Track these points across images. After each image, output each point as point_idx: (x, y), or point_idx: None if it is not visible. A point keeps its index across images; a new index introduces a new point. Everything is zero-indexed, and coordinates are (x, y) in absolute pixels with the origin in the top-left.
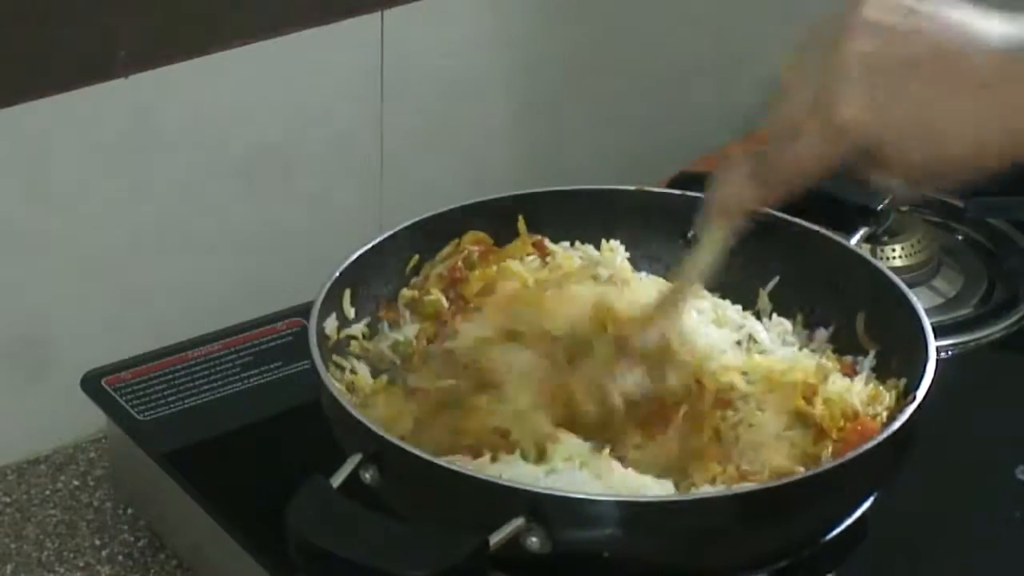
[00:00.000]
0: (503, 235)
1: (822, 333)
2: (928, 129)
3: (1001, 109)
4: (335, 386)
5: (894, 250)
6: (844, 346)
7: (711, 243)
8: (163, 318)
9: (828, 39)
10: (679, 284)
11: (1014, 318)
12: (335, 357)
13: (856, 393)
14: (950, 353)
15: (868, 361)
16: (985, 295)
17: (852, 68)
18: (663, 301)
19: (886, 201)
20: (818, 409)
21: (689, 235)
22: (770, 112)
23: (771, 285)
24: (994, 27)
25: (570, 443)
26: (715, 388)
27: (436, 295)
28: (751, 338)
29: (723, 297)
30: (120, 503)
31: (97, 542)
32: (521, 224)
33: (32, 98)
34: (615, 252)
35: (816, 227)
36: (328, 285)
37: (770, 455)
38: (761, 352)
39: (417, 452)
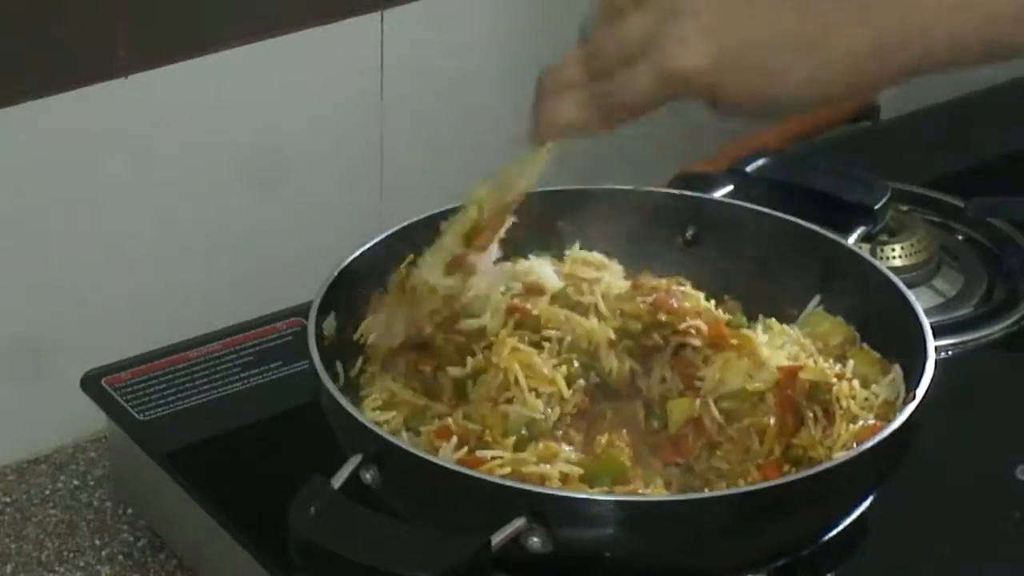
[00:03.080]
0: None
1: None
2: (759, 72)
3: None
4: (335, 386)
5: (894, 250)
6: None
7: (534, 161)
8: (163, 318)
9: None
10: (499, 202)
11: (1014, 318)
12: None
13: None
14: (950, 353)
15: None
16: (985, 295)
17: (691, 8)
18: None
19: (884, 200)
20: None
21: (688, 235)
22: (600, 29)
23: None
24: None
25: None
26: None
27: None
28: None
29: (722, 297)
30: (120, 503)
31: (97, 542)
32: None
33: (32, 98)
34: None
35: (814, 226)
36: (328, 285)
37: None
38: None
39: (418, 452)
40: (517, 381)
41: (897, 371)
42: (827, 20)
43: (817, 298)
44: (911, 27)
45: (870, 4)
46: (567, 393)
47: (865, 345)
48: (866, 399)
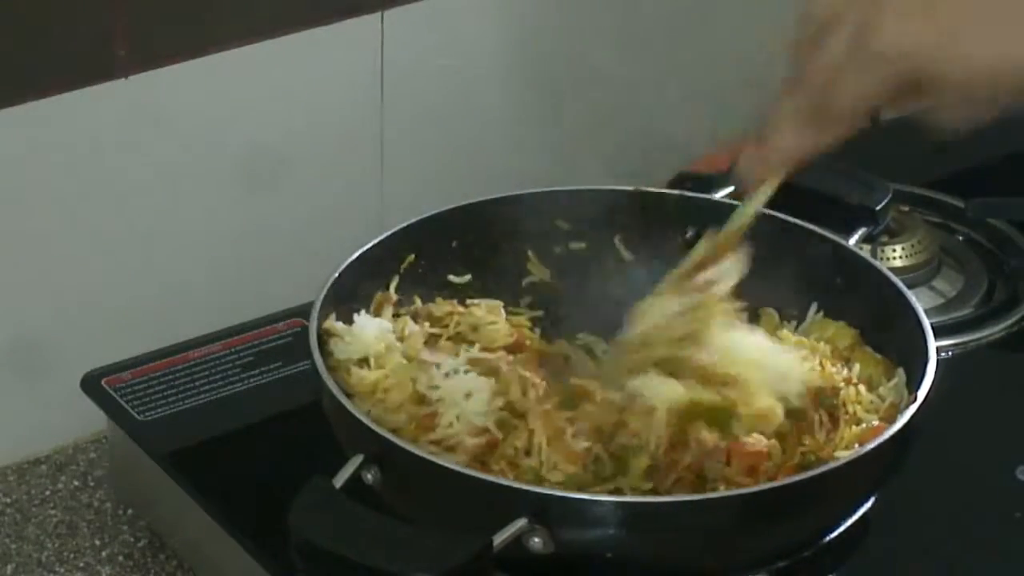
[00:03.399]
0: (503, 234)
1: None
2: (966, 44)
3: None
4: (335, 386)
5: (894, 250)
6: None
7: (759, 198)
8: (163, 318)
9: None
10: (718, 244)
11: (1014, 318)
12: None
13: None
14: (950, 353)
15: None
16: (985, 295)
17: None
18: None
19: (885, 201)
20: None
21: (688, 235)
22: (802, 58)
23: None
24: None
25: None
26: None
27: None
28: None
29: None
30: (120, 503)
31: (97, 542)
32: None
33: (32, 98)
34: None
35: (815, 227)
36: (328, 285)
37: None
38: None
39: (419, 452)
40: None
41: (901, 374)
42: None
43: (815, 305)
44: None
45: None
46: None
47: (869, 348)
48: (872, 402)
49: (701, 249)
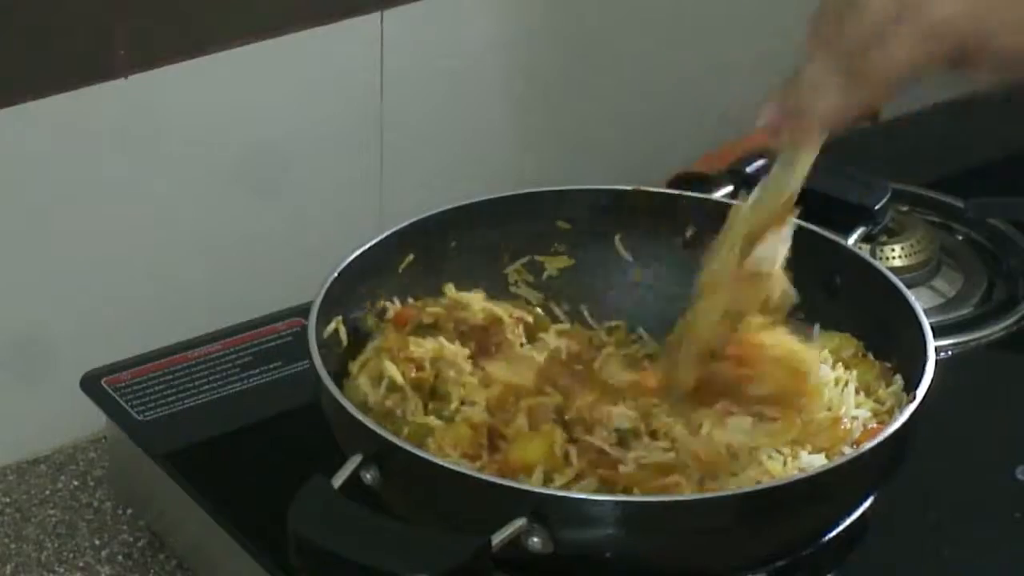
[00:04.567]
0: (502, 234)
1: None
2: (1015, 13)
3: None
4: (334, 386)
5: (894, 250)
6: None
7: (802, 164)
8: (163, 318)
9: None
10: (765, 214)
11: (1014, 318)
12: None
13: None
14: (950, 353)
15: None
16: (985, 295)
17: None
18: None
19: (883, 200)
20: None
21: (688, 235)
22: (844, 20)
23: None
24: None
25: None
26: None
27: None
28: None
29: None
30: (120, 503)
31: (97, 542)
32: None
33: (32, 98)
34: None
35: (814, 227)
36: (327, 285)
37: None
38: None
39: (418, 453)
40: None
41: (899, 380)
42: None
43: (817, 326)
44: None
45: None
46: None
47: (870, 355)
48: (871, 408)
49: (744, 223)
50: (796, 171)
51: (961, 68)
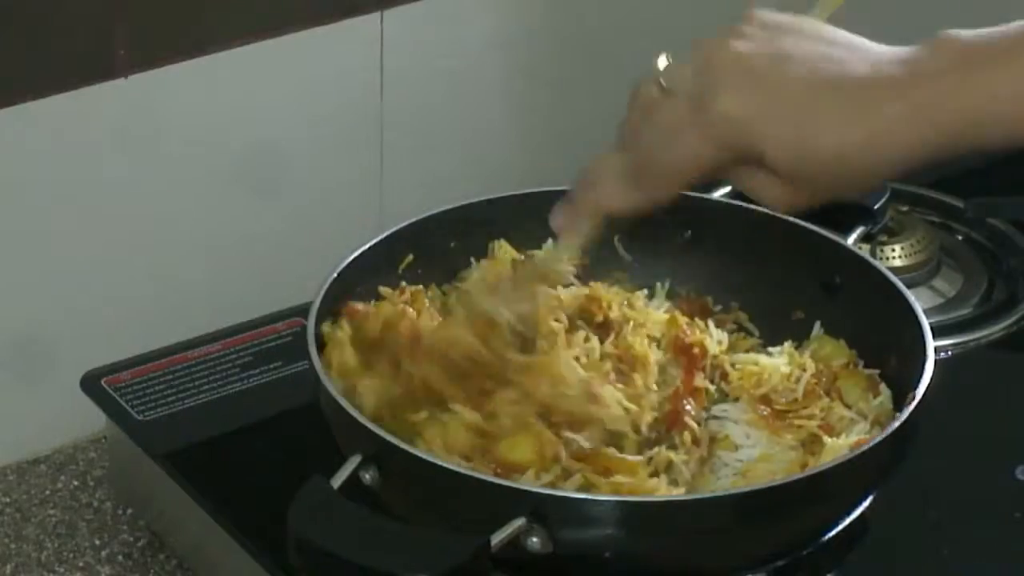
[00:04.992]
0: (502, 234)
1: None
2: (800, 126)
3: (867, 112)
4: (334, 387)
5: (894, 250)
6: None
7: (571, 241)
8: (163, 318)
9: (706, 45)
10: (537, 278)
11: (1014, 318)
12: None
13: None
14: (950, 353)
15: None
16: (985, 295)
17: (728, 65)
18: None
19: (883, 200)
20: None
21: (687, 235)
22: (638, 117)
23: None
24: (871, 44)
25: None
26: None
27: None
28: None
29: (729, 306)
30: (120, 503)
31: (97, 542)
32: None
33: (32, 98)
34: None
35: (813, 227)
36: (327, 285)
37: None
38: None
39: (418, 453)
40: None
41: (885, 391)
42: (875, 113)
43: (818, 324)
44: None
45: (920, 100)
46: None
47: (860, 365)
48: (852, 419)
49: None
50: (564, 247)
51: (740, 171)
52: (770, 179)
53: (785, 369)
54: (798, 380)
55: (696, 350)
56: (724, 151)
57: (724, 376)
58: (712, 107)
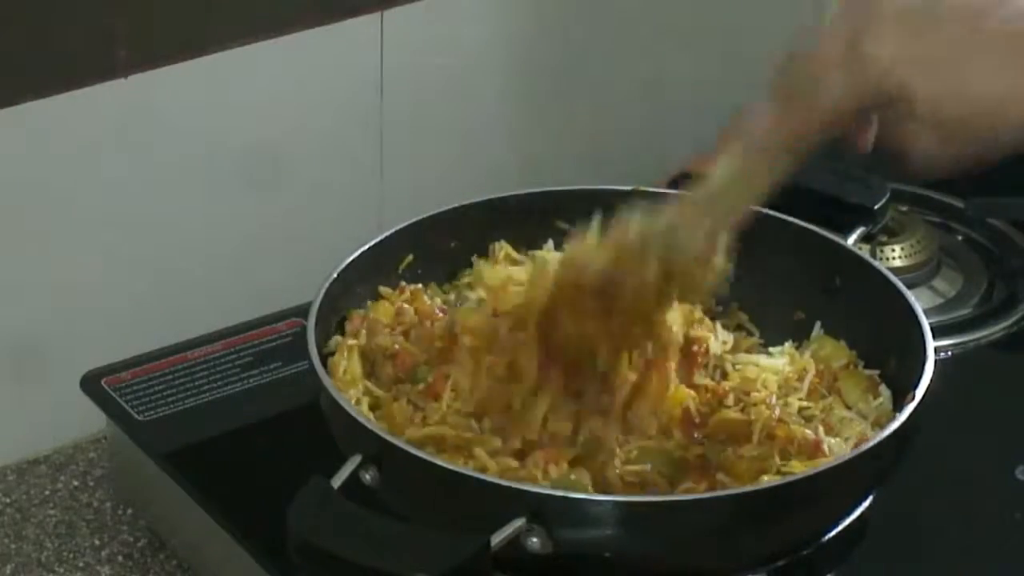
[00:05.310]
0: (501, 234)
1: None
2: (956, 75)
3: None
4: (334, 387)
5: (894, 250)
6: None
7: (729, 175)
8: (163, 318)
9: None
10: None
11: (1014, 318)
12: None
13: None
14: (950, 353)
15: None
16: (985, 295)
17: (885, 10)
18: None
19: (885, 198)
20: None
21: None
22: (795, 65)
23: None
24: None
25: None
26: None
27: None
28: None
29: (719, 299)
30: (120, 503)
31: (97, 542)
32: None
33: (32, 98)
34: None
35: (813, 227)
36: (327, 285)
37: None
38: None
39: (417, 453)
40: None
41: (885, 391)
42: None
43: (818, 324)
44: None
45: None
46: None
47: (860, 366)
48: (852, 420)
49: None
50: (721, 180)
51: (902, 127)
52: (919, 127)
53: (786, 370)
54: (800, 380)
55: (695, 348)
56: (871, 96)
57: (724, 376)
58: (863, 49)
